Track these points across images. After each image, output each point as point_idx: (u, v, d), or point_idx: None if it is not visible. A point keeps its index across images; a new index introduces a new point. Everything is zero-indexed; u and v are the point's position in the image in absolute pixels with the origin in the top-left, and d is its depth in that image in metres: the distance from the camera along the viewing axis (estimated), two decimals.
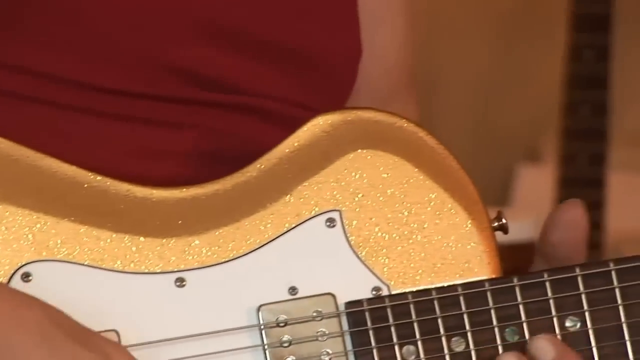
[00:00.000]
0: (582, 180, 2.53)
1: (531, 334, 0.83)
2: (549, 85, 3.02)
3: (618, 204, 2.59)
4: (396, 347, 0.82)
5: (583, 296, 0.83)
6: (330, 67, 1.05)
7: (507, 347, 0.82)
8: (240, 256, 0.85)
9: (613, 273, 0.83)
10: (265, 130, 0.94)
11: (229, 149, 0.93)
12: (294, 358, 0.82)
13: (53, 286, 0.85)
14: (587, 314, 0.83)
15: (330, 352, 0.82)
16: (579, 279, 0.83)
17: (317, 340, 0.82)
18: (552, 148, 2.69)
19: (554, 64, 2.87)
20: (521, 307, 0.83)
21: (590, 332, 0.83)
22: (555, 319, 0.84)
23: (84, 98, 0.94)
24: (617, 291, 0.83)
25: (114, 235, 0.85)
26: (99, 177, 0.86)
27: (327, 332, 0.82)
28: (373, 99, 1.05)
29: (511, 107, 3.26)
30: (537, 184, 2.91)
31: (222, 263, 0.84)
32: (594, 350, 0.84)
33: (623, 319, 0.83)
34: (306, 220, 0.85)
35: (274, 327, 0.82)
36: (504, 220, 0.86)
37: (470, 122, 3.27)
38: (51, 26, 0.94)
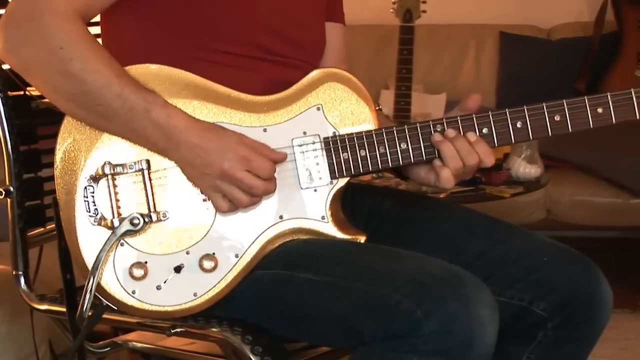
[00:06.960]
0: None
1: None
2: None
3: None
4: None
5: None
6: (317, 48, 2.09)
7: None
8: (290, 119, 1.89)
9: None
10: (294, 73, 1.91)
11: (283, 81, 1.88)
12: None
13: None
14: None
15: None
16: None
17: None
18: None
19: None
20: None
21: None
22: None
23: (220, 57, 1.87)
24: None
25: (237, 112, 1.86)
26: (225, 88, 1.86)
27: None
28: (332, 62, 2.13)
29: None
30: None
31: (282, 122, 1.89)
32: None
33: None
34: (310, 108, 1.91)
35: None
36: None
37: None
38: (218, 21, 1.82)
